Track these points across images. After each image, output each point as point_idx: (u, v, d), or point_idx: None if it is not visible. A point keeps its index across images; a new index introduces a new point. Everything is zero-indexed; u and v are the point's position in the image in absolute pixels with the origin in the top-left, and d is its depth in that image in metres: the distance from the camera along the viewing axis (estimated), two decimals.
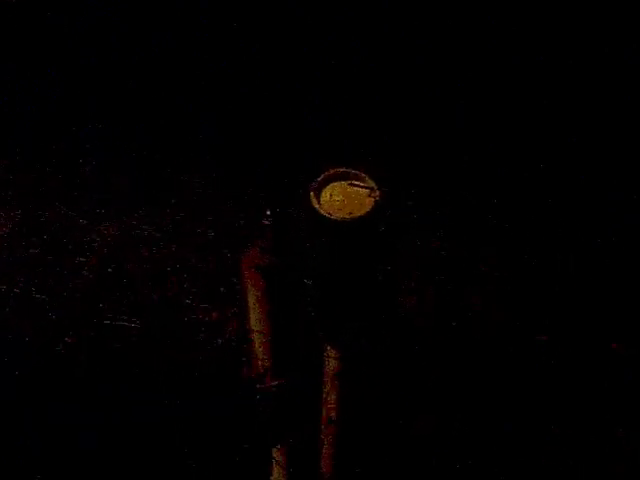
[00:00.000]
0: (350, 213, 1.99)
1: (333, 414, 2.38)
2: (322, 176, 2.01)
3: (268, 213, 2.12)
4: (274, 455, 2.56)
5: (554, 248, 4.02)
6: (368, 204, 2.00)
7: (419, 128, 4.60)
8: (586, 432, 3.34)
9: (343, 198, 2.01)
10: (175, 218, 4.22)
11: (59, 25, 4.94)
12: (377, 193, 2.00)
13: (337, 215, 1.97)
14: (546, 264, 3.95)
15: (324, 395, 2.37)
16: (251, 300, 2.28)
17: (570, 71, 4.72)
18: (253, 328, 2.32)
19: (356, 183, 2.00)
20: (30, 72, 4.86)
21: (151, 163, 4.48)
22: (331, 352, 2.28)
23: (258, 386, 2.40)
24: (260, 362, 2.37)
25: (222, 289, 3.85)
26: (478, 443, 3.30)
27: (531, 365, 3.53)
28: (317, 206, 1.95)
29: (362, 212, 1.98)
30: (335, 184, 2.04)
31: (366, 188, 1.99)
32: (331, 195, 2.02)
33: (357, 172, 2.03)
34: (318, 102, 4.69)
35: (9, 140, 4.60)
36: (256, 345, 2.34)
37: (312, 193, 1.99)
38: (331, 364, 2.30)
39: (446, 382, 3.46)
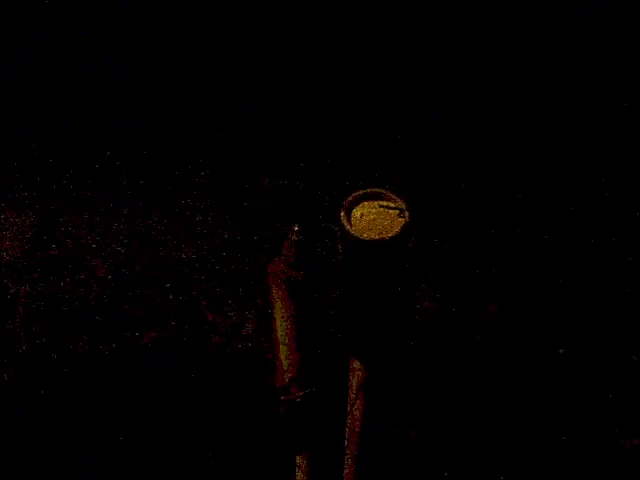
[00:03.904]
0: (380, 233, 2.00)
1: (357, 425, 2.40)
2: (352, 196, 2.01)
3: (296, 229, 2.13)
4: (297, 461, 2.60)
5: (556, 249, 4.04)
6: (397, 225, 2.01)
7: (419, 128, 4.61)
8: (593, 443, 3.36)
9: (374, 217, 2.02)
10: (189, 221, 4.19)
11: (59, 25, 4.92)
12: (406, 214, 2.01)
13: (367, 235, 1.98)
14: (549, 266, 3.97)
15: (349, 407, 2.39)
16: (278, 314, 2.30)
17: (570, 71, 4.74)
18: (280, 340, 2.34)
19: (385, 204, 2.01)
20: (30, 72, 4.84)
21: (160, 163, 4.47)
22: (356, 364, 2.30)
23: (283, 397, 2.43)
24: (285, 374, 2.40)
25: (241, 293, 3.85)
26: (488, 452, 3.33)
27: (546, 374, 3.56)
28: (348, 226, 1.96)
29: (392, 233, 1.98)
30: (365, 203, 2.05)
31: (396, 209, 2.00)
32: (362, 214, 2.02)
33: (388, 192, 2.03)
34: (318, 102, 4.70)
35: (9, 141, 4.58)
36: (282, 357, 2.37)
37: (343, 212, 2.00)
38: (356, 376, 2.32)
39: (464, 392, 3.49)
